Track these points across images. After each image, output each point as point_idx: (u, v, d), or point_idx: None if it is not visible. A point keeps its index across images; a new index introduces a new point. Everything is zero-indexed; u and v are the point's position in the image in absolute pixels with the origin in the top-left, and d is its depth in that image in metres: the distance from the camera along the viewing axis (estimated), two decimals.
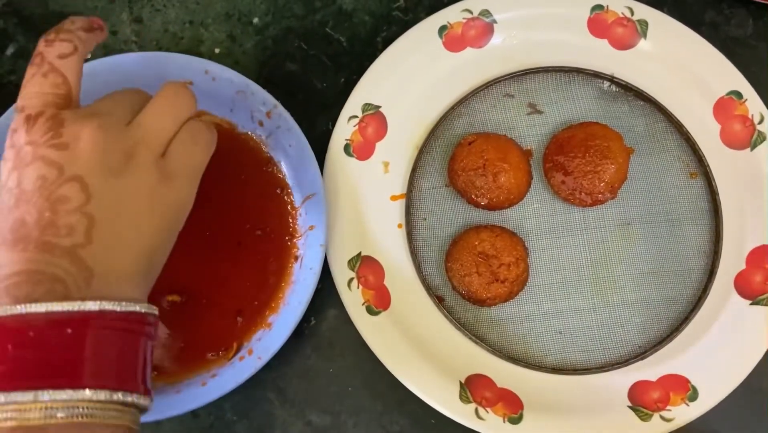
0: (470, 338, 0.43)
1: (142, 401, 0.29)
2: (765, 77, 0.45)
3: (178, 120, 0.33)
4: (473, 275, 0.42)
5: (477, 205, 0.44)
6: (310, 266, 0.41)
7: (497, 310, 0.44)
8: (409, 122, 0.45)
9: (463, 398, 0.42)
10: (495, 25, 0.45)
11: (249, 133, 0.44)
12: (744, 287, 0.43)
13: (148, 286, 0.32)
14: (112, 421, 0.27)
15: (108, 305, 0.28)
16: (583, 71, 0.45)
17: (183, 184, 0.33)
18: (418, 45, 0.45)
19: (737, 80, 0.44)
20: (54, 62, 0.31)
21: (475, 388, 0.42)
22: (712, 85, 0.45)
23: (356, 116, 0.45)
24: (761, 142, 0.44)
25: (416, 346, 0.43)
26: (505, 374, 0.43)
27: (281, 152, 0.43)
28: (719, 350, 0.43)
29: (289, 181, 0.44)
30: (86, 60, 0.46)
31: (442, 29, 0.45)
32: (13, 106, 0.32)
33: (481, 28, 0.45)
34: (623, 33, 0.45)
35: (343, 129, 0.45)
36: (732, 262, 0.43)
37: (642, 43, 0.45)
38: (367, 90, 0.45)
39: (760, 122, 0.44)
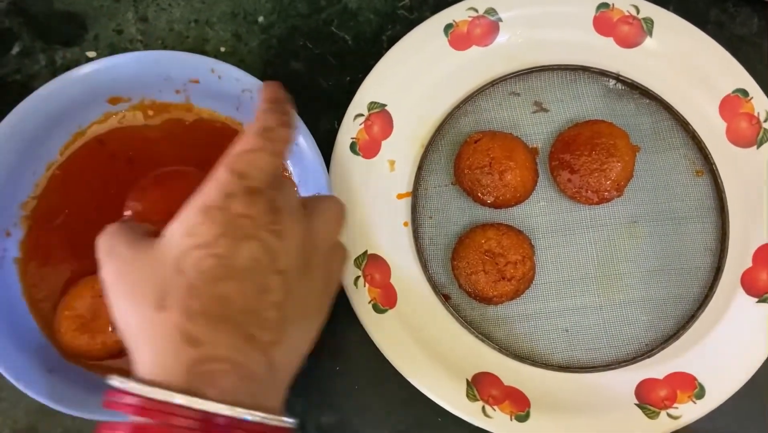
0: (477, 336, 0.42)
1: None
2: None
3: (339, 233, 0.34)
4: (479, 273, 0.42)
5: (483, 203, 0.44)
6: None
7: (504, 308, 0.44)
8: (414, 120, 0.45)
9: (470, 396, 0.42)
10: (500, 23, 0.45)
11: None
12: (750, 285, 0.43)
13: None
14: None
15: (288, 422, 0.29)
16: (589, 69, 0.45)
17: (333, 293, 0.34)
18: (424, 43, 0.45)
19: (743, 78, 0.44)
20: (283, 151, 0.31)
21: (481, 386, 0.42)
22: (717, 83, 0.44)
23: (362, 114, 0.45)
24: (767, 140, 0.44)
25: (423, 344, 0.43)
26: (511, 372, 0.43)
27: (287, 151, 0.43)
28: (726, 347, 0.43)
29: (295, 179, 0.44)
30: (91, 59, 0.46)
31: (448, 28, 0.45)
32: (225, 163, 0.29)
33: (487, 27, 0.45)
34: (629, 31, 0.45)
35: (349, 127, 0.45)
36: (738, 260, 0.43)
37: (648, 42, 0.45)
38: (372, 88, 0.45)
39: (766, 120, 0.44)
